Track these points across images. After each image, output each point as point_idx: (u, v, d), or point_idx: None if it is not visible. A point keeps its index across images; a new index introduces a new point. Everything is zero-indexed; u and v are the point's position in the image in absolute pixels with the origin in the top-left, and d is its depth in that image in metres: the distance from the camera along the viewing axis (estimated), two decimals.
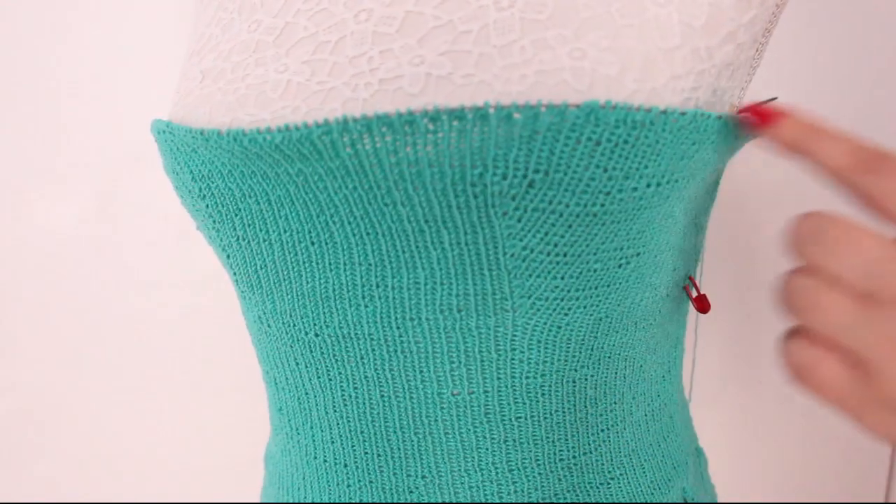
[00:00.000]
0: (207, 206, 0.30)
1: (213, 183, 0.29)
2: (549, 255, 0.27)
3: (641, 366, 0.32)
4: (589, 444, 0.32)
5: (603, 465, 0.32)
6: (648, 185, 0.26)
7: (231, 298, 0.69)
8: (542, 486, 0.31)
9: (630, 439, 0.33)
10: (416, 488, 0.31)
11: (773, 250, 0.61)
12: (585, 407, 0.31)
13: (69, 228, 0.66)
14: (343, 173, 0.26)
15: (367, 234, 0.27)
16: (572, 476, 0.32)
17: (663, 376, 0.35)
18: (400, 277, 0.28)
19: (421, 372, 0.30)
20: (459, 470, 0.31)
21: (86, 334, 0.70)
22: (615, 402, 0.32)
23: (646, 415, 0.34)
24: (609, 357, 0.31)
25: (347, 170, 0.26)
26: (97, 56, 0.62)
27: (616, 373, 0.31)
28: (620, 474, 0.33)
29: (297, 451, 0.34)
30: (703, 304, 0.34)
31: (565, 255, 0.27)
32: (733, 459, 0.72)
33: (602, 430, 0.32)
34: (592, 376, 0.30)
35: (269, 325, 0.32)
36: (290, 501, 0.35)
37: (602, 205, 0.25)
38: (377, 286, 0.28)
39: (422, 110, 0.24)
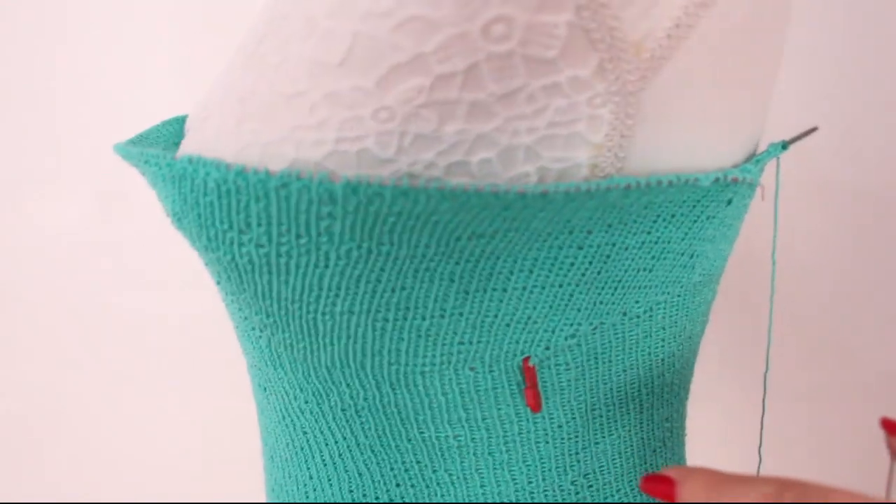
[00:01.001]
0: None
1: None
2: (239, 304, 0.27)
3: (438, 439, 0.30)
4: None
5: None
6: (273, 244, 0.23)
7: None
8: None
9: None
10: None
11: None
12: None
13: (69, 228, 0.66)
14: None
15: None
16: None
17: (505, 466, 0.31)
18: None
19: (253, 367, 0.34)
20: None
21: (86, 334, 0.70)
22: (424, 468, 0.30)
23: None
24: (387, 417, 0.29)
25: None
26: (97, 56, 0.62)
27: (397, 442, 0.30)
28: None
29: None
30: (531, 399, 0.28)
31: (256, 302, 0.26)
32: (732, 458, 0.72)
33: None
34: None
35: None
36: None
37: (243, 255, 0.24)
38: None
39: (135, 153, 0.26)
